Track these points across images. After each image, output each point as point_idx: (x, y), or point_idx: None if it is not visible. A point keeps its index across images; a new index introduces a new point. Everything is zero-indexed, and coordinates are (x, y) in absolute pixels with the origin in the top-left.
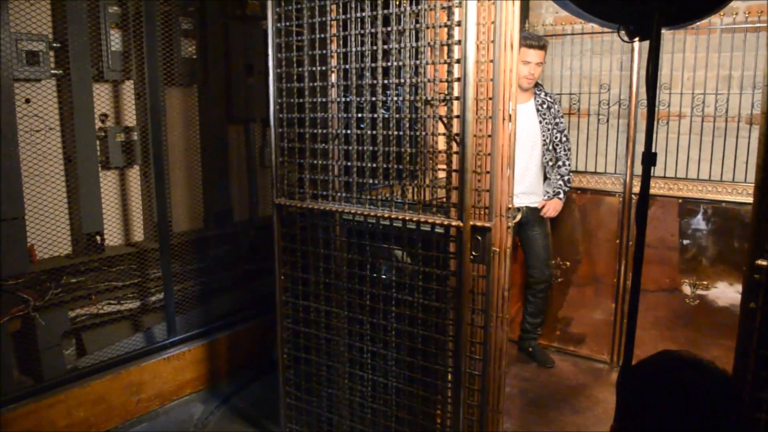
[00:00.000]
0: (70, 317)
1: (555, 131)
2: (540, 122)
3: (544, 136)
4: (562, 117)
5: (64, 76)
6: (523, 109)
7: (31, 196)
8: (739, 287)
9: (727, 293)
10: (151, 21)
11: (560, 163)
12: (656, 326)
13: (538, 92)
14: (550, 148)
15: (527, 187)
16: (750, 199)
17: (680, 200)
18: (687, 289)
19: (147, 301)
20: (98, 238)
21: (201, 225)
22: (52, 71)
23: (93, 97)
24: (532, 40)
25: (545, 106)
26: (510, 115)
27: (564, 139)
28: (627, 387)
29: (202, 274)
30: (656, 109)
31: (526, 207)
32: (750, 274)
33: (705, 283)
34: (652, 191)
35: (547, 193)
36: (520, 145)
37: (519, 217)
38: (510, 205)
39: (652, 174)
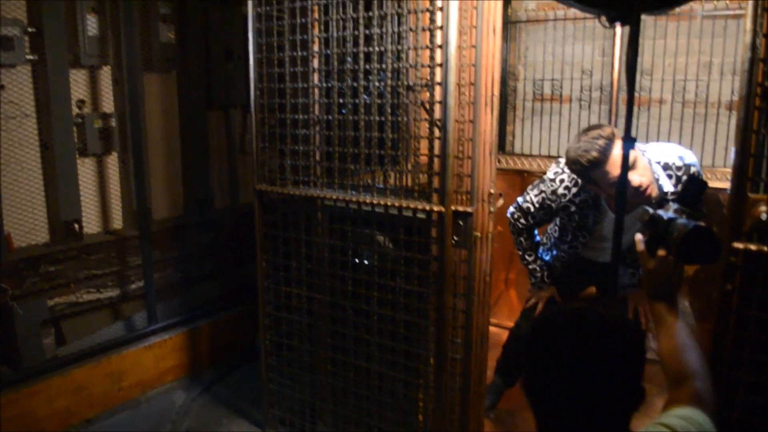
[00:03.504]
0: (48, 306)
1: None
2: None
3: None
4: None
5: (40, 61)
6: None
7: (7, 184)
8: None
9: None
10: (129, 5)
11: None
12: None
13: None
14: None
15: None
16: (728, 185)
17: None
18: None
19: (127, 289)
20: (76, 225)
21: (181, 212)
22: (27, 56)
23: (69, 82)
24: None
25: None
26: (492, 101)
27: None
28: (531, 343)
29: (182, 261)
30: (636, 94)
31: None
32: (727, 257)
33: None
34: None
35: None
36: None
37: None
38: (492, 190)
39: None
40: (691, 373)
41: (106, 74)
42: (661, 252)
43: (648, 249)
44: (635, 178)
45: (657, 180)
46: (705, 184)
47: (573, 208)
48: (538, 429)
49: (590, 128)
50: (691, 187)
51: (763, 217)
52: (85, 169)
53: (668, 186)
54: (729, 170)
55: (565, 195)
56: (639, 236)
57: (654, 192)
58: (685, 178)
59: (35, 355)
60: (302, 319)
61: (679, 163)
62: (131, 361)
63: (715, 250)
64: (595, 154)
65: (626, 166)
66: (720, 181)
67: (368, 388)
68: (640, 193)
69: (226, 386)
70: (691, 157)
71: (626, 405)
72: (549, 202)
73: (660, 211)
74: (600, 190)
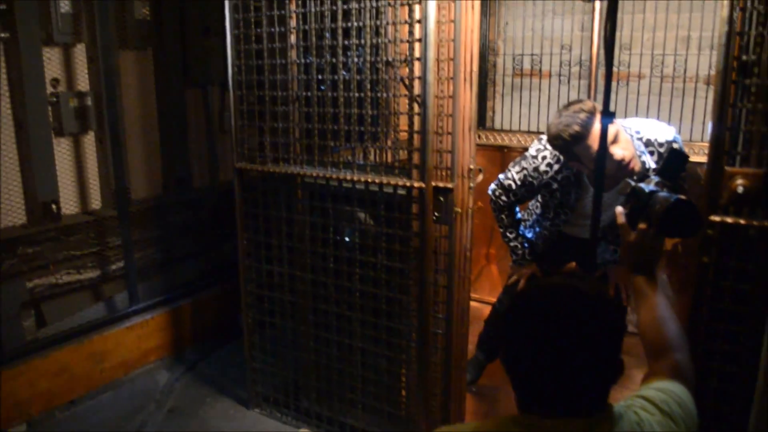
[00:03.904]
0: (28, 288)
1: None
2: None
3: None
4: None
5: (12, 39)
6: (610, 192)
7: None
8: None
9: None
10: None
11: None
12: None
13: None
14: None
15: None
16: (705, 159)
17: None
18: None
19: (107, 269)
20: (54, 206)
21: (160, 192)
22: None
23: (43, 61)
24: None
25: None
26: (472, 77)
27: None
28: (510, 317)
29: (163, 241)
30: (615, 69)
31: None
32: (704, 230)
33: None
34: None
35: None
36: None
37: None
38: (472, 166)
39: None
40: (670, 346)
41: (80, 52)
42: (642, 225)
43: (629, 222)
44: (618, 151)
45: (640, 156)
46: (687, 157)
47: (555, 186)
48: (518, 403)
49: (571, 103)
50: (673, 160)
51: (740, 190)
52: (62, 149)
53: (650, 162)
54: (707, 144)
55: (547, 172)
56: (620, 209)
57: (637, 166)
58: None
59: (15, 337)
60: (284, 296)
61: (661, 140)
62: (113, 342)
63: (696, 224)
64: (576, 128)
65: (605, 140)
66: (698, 155)
67: (351, 364)
68: (623, 167)
69: (209, 365)
70: (673, 133)
71: (605, 377)
72: (531, 179)
73: (642, 184)
74: (582, 166)
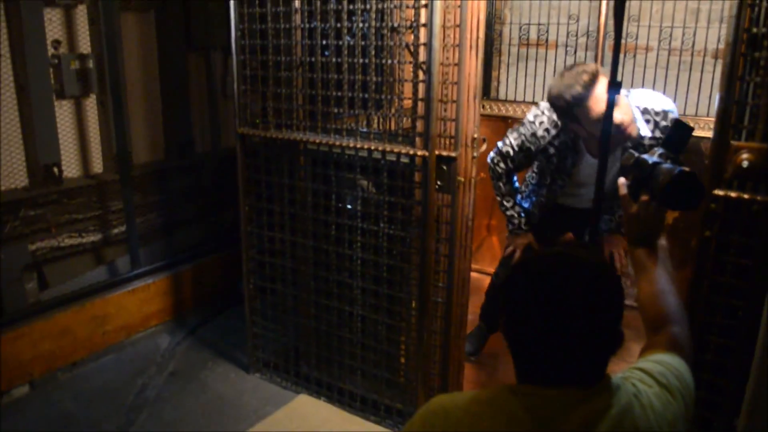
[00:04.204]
0: (30, 250)
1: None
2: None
3: None
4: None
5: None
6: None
7: None
8: None
9: None
10: None
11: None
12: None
13: (639, 133)
14: None
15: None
16: (711, 134)
17: None
18: None
19: (109, 233)
20: (56, 169)
21: (162, 156)
22: None
23: (44, 22)
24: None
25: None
26: (477, 44)
27: None
28: (509, 287)
29: (164, 205)
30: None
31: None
32: (707, 204)
33: None
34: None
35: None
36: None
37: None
38: (476, 135)
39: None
40: (669, 319)
41: (81, 13)
42: (644, 197)
43: (631, 193)
44: (617, 115)
45: (635, 122)
46: (691, 129)
47: (552, 150)
48: (516, 372)
49: (574, 65)
50: (677, 132)
51: (745, 164)
52: (63, 111)
53: (645, 130)
54: (712, 119)
55: (544, 137)
56: (622, 180)
57: (633, 131)
58: (664, 123)
59: (18, 299)
60: (285, 263)
61: (657, 109)
62: (115, 305)
63: (699, 196)
64: (579, 89)
65: (611, 111)
66: (703, 130)
67: (351, 331)
68: (621, 131)
69: (210, 330)
70: (670, 104)
71: (604, 348)
72: (528, 145)
73: (645, 156)
74: (582, 129)
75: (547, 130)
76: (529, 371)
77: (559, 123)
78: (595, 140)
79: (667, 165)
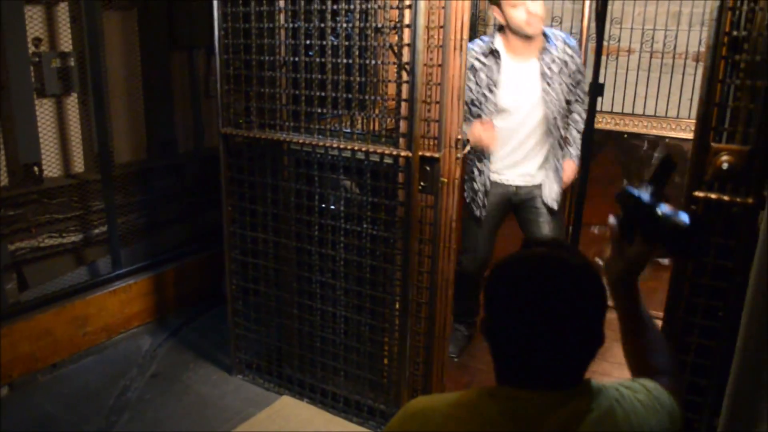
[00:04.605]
0: (10, 250)
1: (572, 94)
2: (545, 90)
3: (550, 108)
4: (582, 73)
5: None
6: (523, 70)
7: None
8: None
9: None
10: None
11: (576, 118)
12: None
13: (549, 47)
14: (559, 124)
15: (524, 167)
16: (692, 136)
17: (625, 135)
18: None
19: (90, 233)
20: (36, 169)
21: (144, 156)
22: None
23: (25, 19)
24: None
25: (558, 64)
26: (461, 46)
27: (581, 98)
28: (491, 286)
29: (146, 206)
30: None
31: (520, 186)
32: (688, 205)
33: None
34: (597, 126)
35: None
36: (514, 112)
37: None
38: (459, 136)
39: (598, 108)
40: (661, 372)
41: (63, 11)
42: (640, 240)
43: (622, 231)
44: (533, 8)
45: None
46: (675, 164)
47: (477, 64)
48: (496, 373)
49: None
50: (665, 168)
51: (725, 166)
52: (44, 110)
53: (559, 51)
54: (693, 121)
55: (471, 53)
56: (612, 220)
57: (539, 30)
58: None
59: None
60: (268, 264)
61: (571, 44)
62: (96, 306)
63: (707, 244)
64: None
65: (593, 116)
66: (684, 132)
67: (334, 332)
68: (530, 23)
69: (192, 331)
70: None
71: (585, 350)
72: (467, 82)
73: (637, 192)
74: (500, 14)
75: (472, 49)
76: (509, 372)
77: (485, 45)
78: (514, 37)
79: (667, 209)
